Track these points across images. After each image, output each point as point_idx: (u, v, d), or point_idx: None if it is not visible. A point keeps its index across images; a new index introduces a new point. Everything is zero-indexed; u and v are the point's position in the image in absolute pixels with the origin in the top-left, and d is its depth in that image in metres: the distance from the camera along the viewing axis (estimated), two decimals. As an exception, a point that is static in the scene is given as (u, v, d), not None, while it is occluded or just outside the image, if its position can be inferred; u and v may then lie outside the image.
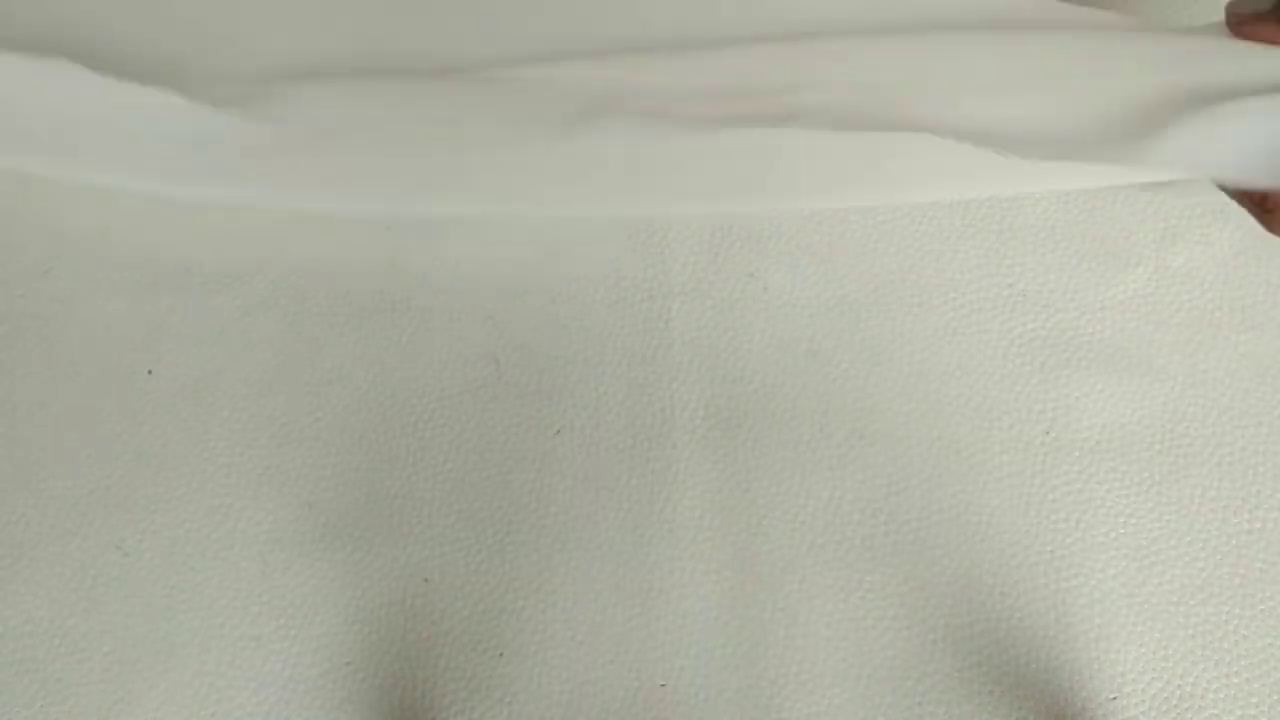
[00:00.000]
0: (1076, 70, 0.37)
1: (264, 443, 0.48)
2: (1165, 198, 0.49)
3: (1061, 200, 0.51)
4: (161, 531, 0.47)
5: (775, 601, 0.46)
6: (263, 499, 0.47)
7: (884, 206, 0.49)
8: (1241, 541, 0.46)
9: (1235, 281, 0.49)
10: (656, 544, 0.47)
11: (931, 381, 0.49)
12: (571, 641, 0.45)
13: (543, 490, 0.47)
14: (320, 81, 0.41)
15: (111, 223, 0.51)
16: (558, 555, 0.46)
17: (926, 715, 0.44)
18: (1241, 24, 0.37)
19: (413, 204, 0.47)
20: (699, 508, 0.47)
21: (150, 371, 0.49)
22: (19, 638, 0.46)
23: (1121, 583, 0.46)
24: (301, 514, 0.47)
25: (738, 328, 0.49)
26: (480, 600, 0.46)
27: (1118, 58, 0.37)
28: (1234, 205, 0.40)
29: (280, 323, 0.50)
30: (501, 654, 0.45)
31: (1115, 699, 0.44)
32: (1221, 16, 0.38)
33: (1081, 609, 0.45)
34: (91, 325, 0.50)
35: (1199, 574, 0.46)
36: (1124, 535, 0.47)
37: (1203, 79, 0.37)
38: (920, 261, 0.50)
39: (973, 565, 0.46)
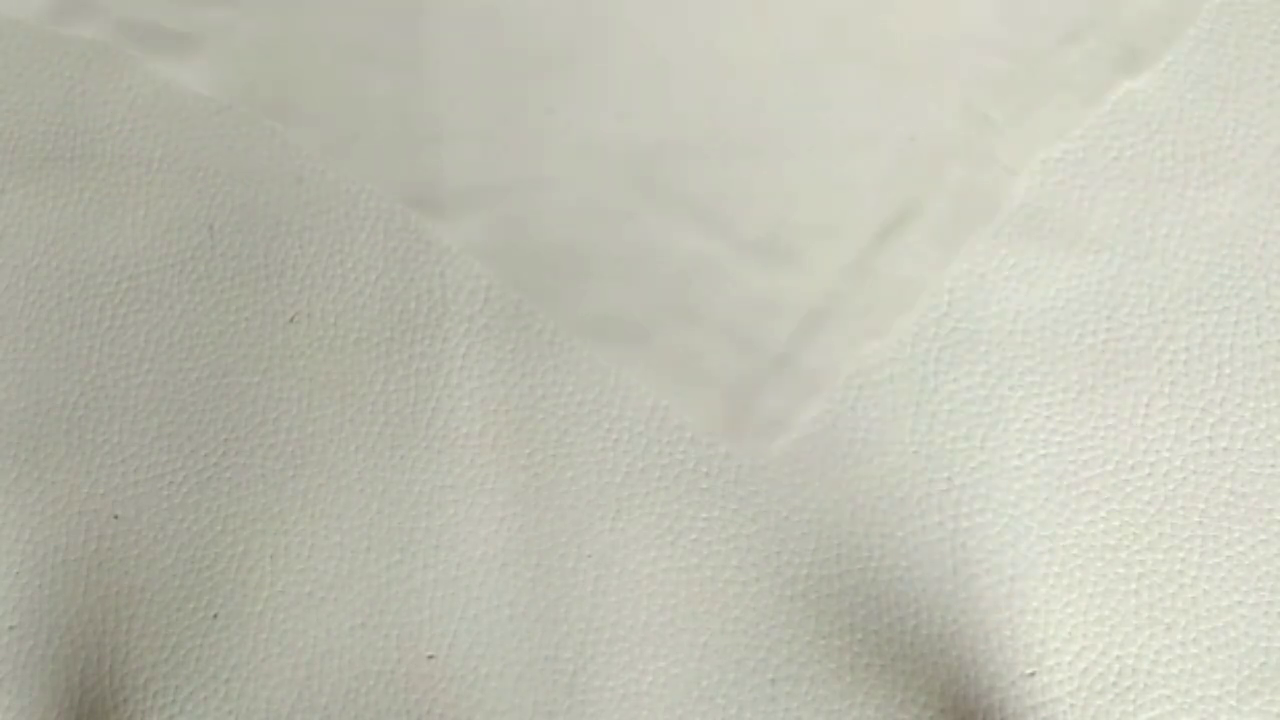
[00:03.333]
0: None
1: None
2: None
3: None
4: None
5: (580, 543, 0.43)
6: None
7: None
8: (1201, 466, 0.43)
9: (1193, 122, 0.46)
10: (423, 468, 0.44)
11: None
12: (309, 599, 0.43)
13: (271, 397, 0.45)
14: None
15: None
16: (290, 484, 0.44)
17: (781, 696, 0.41)
18: None
19: None
20: (479, 420, 0.45)
21: None
22: None
23: (1040, 520, 0.43)
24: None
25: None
26: (187, 544, 0.43)
27: None
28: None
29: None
30: (215, 615, 0.42)
31: (1033, 674, 0.41)
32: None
33: (988, 555, 0.43)
34: None
35: (1144, 510, 0.43)
36: (1044, 458, 0.44)
37: None
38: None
39: (844, 494, 0.44)
